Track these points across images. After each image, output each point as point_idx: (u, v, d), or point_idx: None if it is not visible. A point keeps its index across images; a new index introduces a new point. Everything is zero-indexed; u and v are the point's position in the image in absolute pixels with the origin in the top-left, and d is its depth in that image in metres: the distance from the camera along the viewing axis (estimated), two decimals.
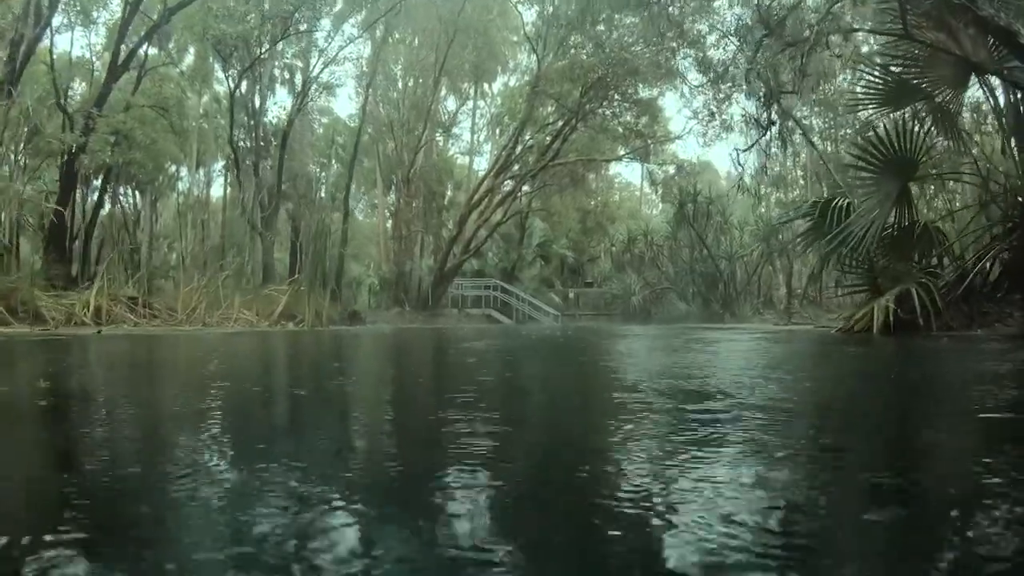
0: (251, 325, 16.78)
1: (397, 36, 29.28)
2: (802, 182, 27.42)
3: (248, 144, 26.88)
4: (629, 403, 2.72)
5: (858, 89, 12.61)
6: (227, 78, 24.39)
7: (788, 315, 17.31)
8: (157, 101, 23.85)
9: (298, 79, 27.57)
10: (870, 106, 11.43)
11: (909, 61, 10.54)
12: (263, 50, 24.07)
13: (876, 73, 11.22)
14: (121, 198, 29.35)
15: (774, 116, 11.92)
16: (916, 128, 9.81)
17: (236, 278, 18.61)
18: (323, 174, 33.75)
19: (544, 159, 25.28)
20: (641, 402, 2.74)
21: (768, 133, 12.42)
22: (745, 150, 14.21)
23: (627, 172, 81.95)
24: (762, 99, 11.48)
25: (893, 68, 10.84)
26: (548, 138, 25.64)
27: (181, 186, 32.43)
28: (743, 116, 13.05)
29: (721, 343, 7.83)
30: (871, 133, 10.57)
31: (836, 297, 13.89)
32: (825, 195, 24.47)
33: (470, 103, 32.99)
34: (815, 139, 24.64)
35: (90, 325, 14.81)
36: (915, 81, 10.57)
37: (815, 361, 5.79)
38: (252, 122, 26.41)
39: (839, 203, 10.60)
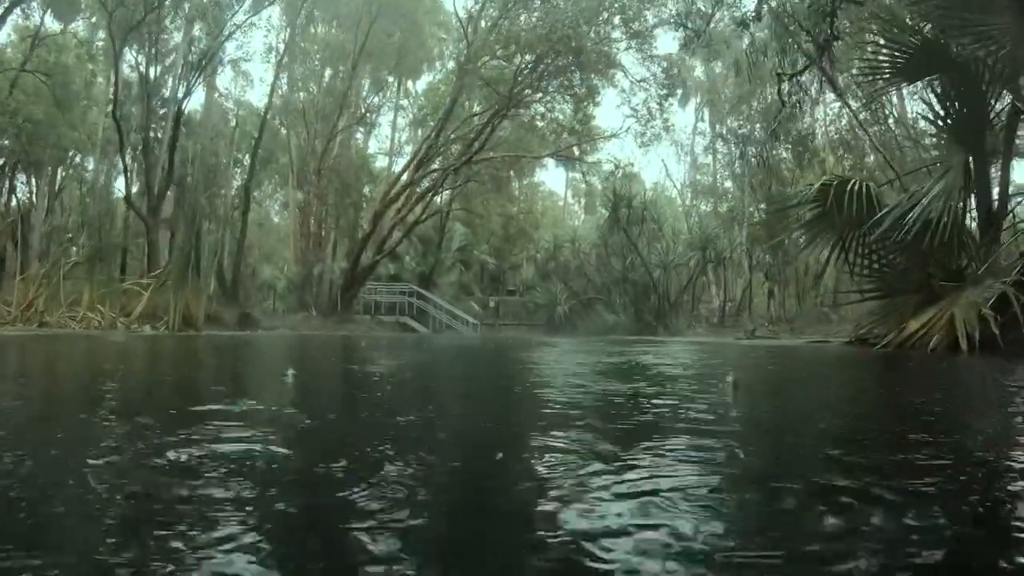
0: (102, 326, 12.60)
1: (317, 15, 25.38)
2: (736, 193, 24.92)
3: (138, 120, 22.32)
4: None
5: (867, 58, 9.64)
6: (110, 35, 19.79)
7: (749, 331, 14.39)
8: (39, 67, 19.48)
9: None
10: (885, 76, 8.60)
11: (957, 5, 7.67)
12: (154, 7, 19.87)
13: (896, 34, 8.34)
14: (22, 186, 24.85)
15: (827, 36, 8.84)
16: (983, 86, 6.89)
17: (88, 267, 14.19)
18: (229, 164, 29.13)
19: (469, 151, 21.76)
20: None
21: (817, 61, 9.32)
22: (792, 75, 10.98)
23: (551, 181, 79.72)
24: (820, 8, 8.44)
25: (928, 19, 7.98)
26: (473, 133, 22.20)
27: (89, 177, 27.56)
28: (787, 25, 9.88)
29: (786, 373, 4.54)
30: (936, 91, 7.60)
31: (846, 304, 10.96)
32: (763, 208, 22.08)
33: (392, 97, 29.31)
34: (749, 150, 22.23)
35: None
36: (956, 34, 7.74)
37: None
38: (145, 94, 21.91)
39: (856, 186, 7.65)
